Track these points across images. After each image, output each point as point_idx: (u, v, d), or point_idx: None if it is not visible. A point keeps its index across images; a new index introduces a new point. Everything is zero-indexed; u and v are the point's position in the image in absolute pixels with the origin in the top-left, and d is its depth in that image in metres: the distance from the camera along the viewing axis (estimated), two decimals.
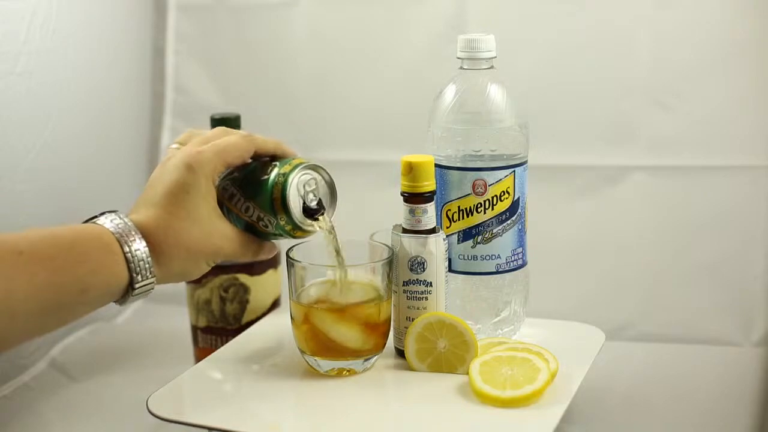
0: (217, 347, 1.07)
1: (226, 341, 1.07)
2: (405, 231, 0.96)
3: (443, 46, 1.31)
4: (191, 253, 0.86)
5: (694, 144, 1.28)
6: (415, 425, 0.87)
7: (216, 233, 0.88)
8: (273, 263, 1.14)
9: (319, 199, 0.92)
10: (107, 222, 0.82)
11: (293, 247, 0.97)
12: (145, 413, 0.88)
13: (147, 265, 0.82)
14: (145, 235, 0.83)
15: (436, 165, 0.97)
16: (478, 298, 1.00)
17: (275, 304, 1.15)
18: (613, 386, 1.12)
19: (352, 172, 1.34)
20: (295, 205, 0.89)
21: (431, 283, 0.95)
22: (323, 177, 0.93)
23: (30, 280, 0.75)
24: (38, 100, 1.14)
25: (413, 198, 0.95)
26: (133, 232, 0.82)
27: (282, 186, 0.89)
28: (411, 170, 0.94)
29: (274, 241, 0.94)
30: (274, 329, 1.06)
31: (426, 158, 0.95)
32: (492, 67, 0.99)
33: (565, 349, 0.95)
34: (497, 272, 1.00)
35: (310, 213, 0.91)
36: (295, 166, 0.90)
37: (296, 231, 0.91)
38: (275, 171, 0.90)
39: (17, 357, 1.15)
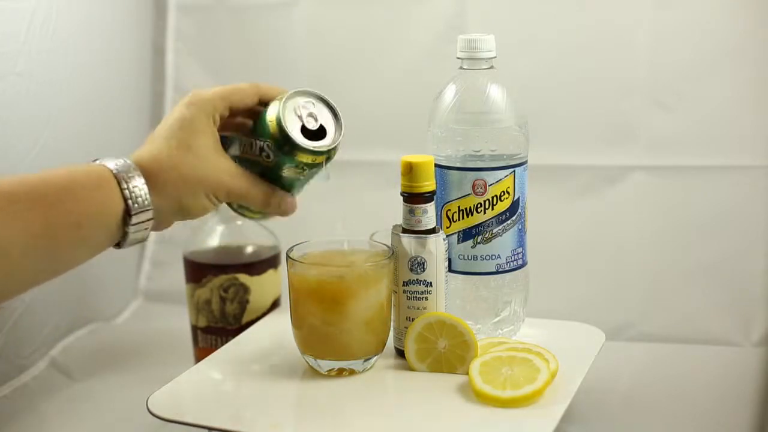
0: (217, 347, 1.07)
1: (226, 341, 1.08)
2: (405, 231, 0.96)
3: (443, 46, 1.31)
4: (188, 183, 0.86)
5: (694, 144, 1.28)
6: (415, 425, 0.87)
7: (216, 167, 0.88)
8: (273, 263, 1.14)
9: (321, 124, 0.92)
10: (109, 162, 0.83)
11: (293, 247, 0.97)
12: (145, 413, 0.88)
13: (143, 194, 0.82)
14: (143, 169, 0.83)
15: (436, 165, 0.97)
16: (478, 298, 1.00)
17: (275, 304, 1.15)
18: (613, 386, 1.12)
19: (352, 172, 1.34)
20: (293, 127, 0.89)
21: (431, 283, 0.95)
22: (324, 102, 0.93)
23: (24, 219, 0.75)
24: (38, 100, 1.14)
25: (413, 198, 0.95)
26: (132, 169, 0.82)
27: (278, 110, 0.90)
28: (411, 170, 0.94)
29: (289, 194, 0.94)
30: (274, 329, 1.06)
31: (426, 158, 0.95)
32: (492, 67, 0.99)
33: (565, 349, 0.95)
34: (497, 272, 1.00)
35: (311, 136, 0.90)
36: (293, 93, 0.91)
37: (298, 155, 0.90)
38: (274, 102, 0.91)
39: (17, 357, 1.15)
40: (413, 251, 0.95)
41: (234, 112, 0.91)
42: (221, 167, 0.88)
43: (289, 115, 0.90)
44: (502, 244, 0.99)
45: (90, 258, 0.82)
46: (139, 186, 0.82)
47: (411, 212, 0.95)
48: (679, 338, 1.26)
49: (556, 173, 1.31)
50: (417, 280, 0.95)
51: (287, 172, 0.92)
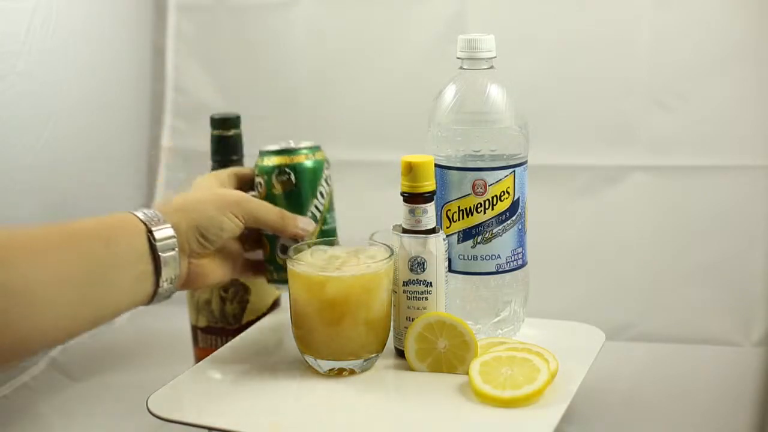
0: (217, 347, 1.07)
1: (226, 341, 1.07)
2: (405, 231, 0.96)
3: (443, 46, 1.31)
4: (200, 201, 0.93)
5: (694, 144, 1.28)
6: (415, 425, 0.87)
7: (226, 190, 0.97)
8: None
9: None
10: (137, 212, 0.88)
11: (294, 247, 0.97)
12: (145, 413, 0.88)
13: (158, 214, 0.88)
14: (157, 206, 0.90)
15: (436, 165, 0.97)
16: (478, 298, 1.00)
17: (275, 304, 1.15)
18: (613, 386, 1.12)
19: (352, 172, 1.34)
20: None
21: (431, 283, 0.95)
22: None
23: (62, 253, 0.79)
24: (38, 100, 1.14)
25: (413, 198, 0.95)
26: (159, 215, 0.88)
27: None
28: (411, 170, 0.94)
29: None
30: (274, 329, 1.06)
31: (426, 158, 0.95)
32: (492, 67, 0.99)
33: (565, 349, 0.95)
34: (497, 272, 1.00)
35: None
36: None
37: (269, 158, 1.03)
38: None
39: None
40: (413, 251, 0.95)
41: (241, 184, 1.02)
42: (228, 190, 0.97)
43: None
44: (502, 244, 0.99)
45: (130, 301, 0.86)
46: (153, 212, 0.88)
47: (411, 212, 0.95)
48: (679, 338, 1.26)
49: (556, 173, 1.31)
50: (417, 280, 0.95)
51: (276, 185, 1.01)
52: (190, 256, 0.92)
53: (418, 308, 0.96)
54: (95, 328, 0.83)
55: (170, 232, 0.87)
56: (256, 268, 1.04)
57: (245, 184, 1.03)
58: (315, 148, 1.04)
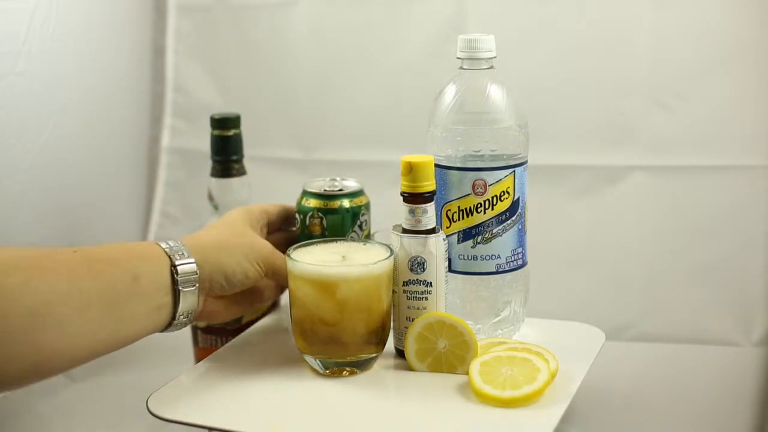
0: (217, 347, 1.07)
1: (226, 341, 1.07)
2: (405, 231, 0.96)
3: (443, 46, 1.31)
4: (226, 245, 0.93)
5: (694, 144, 1.28)
6: (415, 425, 0.87)
7: (254, 237, 0.97)
8: None
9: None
10: (162, 243, 0.89)
11: (293, 247, 0.97)
12: (145, 413, 0.88)
13: (184, 249, 0.89)
14: (185, 243, 0.91)
15: (436, 165, 0.97)
16: (478, 298, 1.00)
17: (275, 304, 1.15)
18: (613, 386, 1.12)
19: (352, 172, 1.34)
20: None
21: (431, 283, 0.95)
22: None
23: (83, 277, 0.80)
24: (38, 100, 1.14)
25: (413, 198, 0.95)
26: (183, 249, 0.89)
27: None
28: (411, 170, 0.94)
29: None
30: (274, 329, 1.06)
31: (426, 158, 0.95)
32: (492, 67, 0.99)
33: (565, 349, 0.95)
34: (497, 272, 1.00)
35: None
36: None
37: (308, 200, 1.07)
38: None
39: None
40: (413, 251, 0.95)
41: (271, 228, 1.04)
42: (258, 240, 0.97)
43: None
44: (502, 244, 0.99)
45: (149, 327, 0.87)
46: (179, 245, 0.89)
47: (411, 212, 0.95)
48: (679, 338, 1.26)
49: (556, 173, 1.31)
50: (417, 280, 0.95)
51: (309, 227, 1.05)
52: (208, 294, 0.93)
53: (418, 308, 0.96)
54: (110, 352, 0.84)
55: (193, 267, 0.89)
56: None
57: (275, 222, 1.05)
58: (355, 193, 1.07)
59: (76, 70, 1.22)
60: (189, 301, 0.89)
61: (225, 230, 0.96)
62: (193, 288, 0.89)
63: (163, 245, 0.88)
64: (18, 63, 1.10)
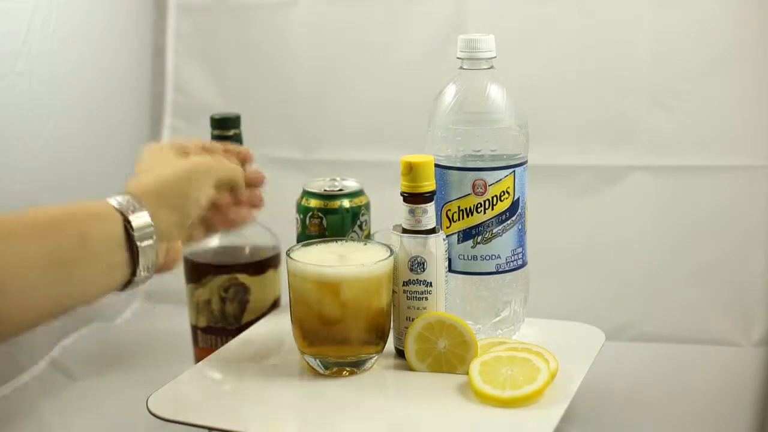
0: (217, 347, 1.07)
1: (226, 341, 1.07)
2: (405, 231, 0.96)
3: (443, 46, 1.31)
4: (171, 183, 0.87)
5: (694, 144, 1.28)
6: (415, 425, 0.87)
7: (178, 162, 0.90)
8: (273, 263, 1.14)
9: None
10: (111, 199, 0.84)
11: (293, 247, 0.97)
12: (145, 413, 0.88)
13: (129, 198, 0.83)
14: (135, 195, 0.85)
15: (436, 165, 0.97)
16: (478, 298, 1.00)
17: (275, 304, 1.15)
18: (613, 386, 1.12)
19: (352, 172, 1.34)
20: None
21: (431, 283, 0.95)
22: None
23: (27, 241, 0.75)
24: (38, 100, 1.14)
25: (413, 198, 0.95)
26: (134, 203, 0.83)
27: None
28: (411, 170, 0.94)
29: None
30: (274, 329, 1.06)
31: (426, 158, 0.95)
32: (492, 67, 0.99)
33: (565, 349, 0.95)
34: (497, 272, 1.00)
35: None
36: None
37: (307, 200, 1.08)
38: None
39: (17, 357, 1.15)
40: (413, 251, 0.95)
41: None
42: (199, 161, 0.90)
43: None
44: (502, 244, 0.99)
45: (106, 286, 0.82)
46: (129, 198, 0.83)
47: (411, 212, 0.95)
48: (679, 338, 1.26)
49: (556, 173, 1.31)
50: (417, 280, 0.95)
51: (309, 227, 1.06)
52: (169, 240, 0.87)
53: (418, 308, 0.96)
54: (66, 313, 0.81)
55: (147, 220, 0.82)
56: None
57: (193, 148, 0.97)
58: (355, 193, 1.07)
59: (76, 70, 1.22)
60: (148, 255, 0.83)
61: (160, 166, 0.89)
62: (151, 241, 0.83)
63: (113, 202, 0.82)
64: (18, 63, 1.10)
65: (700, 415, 1.07)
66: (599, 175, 1.31)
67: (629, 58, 1.29)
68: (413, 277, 0.95)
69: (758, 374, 1.17)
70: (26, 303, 0.75)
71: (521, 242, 1.00)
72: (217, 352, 1.01)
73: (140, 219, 0.82)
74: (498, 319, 1.01)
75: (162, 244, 0.85)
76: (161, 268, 0.87)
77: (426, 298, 0.95)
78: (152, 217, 0.83)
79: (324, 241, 0.99)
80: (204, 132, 1.11)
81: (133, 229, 0.81)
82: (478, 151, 0.98)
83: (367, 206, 1.08)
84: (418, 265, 0.95)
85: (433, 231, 0.95)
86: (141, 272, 0.83)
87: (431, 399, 0.90)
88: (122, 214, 0.82)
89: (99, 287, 0.82)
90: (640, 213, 1.30)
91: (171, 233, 0.87)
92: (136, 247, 0.82)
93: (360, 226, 1.07)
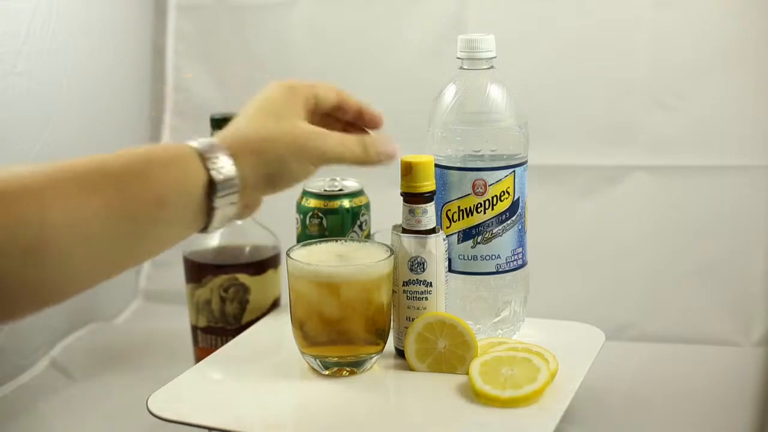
0: (217, 347, 1.07)
1: (226, 341, 1.07)
2: (405, 231, 0.96)
3: (443, 46, 1.31)
4: (274, 146, 0.78)
5: (694, 144, 1.28)
6: (415, 425, 0.87)
7: (302, 127, 0.81)
8: (273, 263, 1.14)
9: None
10: (191, 141, 0.76)
11: (293, 247, 0.97)
12: (145, 413, 0.88)
13: (228, 165, 0.75)
14: (227, 144, 0.77)
15: (436, 165, 0.97)
16: (478, 298, 1.00)
17: (275, 304, 1.15)
18: (613, 386, 1.12)
19: (352, 172, 1.34)
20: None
21: (431, 283, 0.95)
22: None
23: (101, 199, 0.69)
24: (38, 100, 1.14)
25: (413, 198, 0.95)
26: (215, 146, 0.76)
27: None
28: (411, 171, 0.94)
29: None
30: (274, 329, 1.06)
31: (426, 158, 0.95)
32: (492, 67, 0.99)
33: (565, 349, 0.95)
34: (497, 272, 1.00)
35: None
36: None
37: (307, 199, 1.08)
38: None
39: (17, 357, 1.15)
40: (413, 251, 0.95)
41: (317, 110, 0.87)
42: (311, 130, 0.81)
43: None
44: (502, 244, 0.99)
45: (177, 241, 0.75)
46: (221, 158, 0.75)
47: (411, 212, 0.95)
48: (679, 338, 1.26)
49: (556, 173, 1.31)
50: (417, 280, 0.95)
51: (309, 227, 1.06)
52: (248, 195, 0.79)
53: (417, 308, 0.96)
54: (134, 266, 0.77)
55: (233, 171, 0.75)
56: None
57: (324, 108, 0.88)
58: (355, 193, 1.08)
59: (76, 69, 1.22)
60: (226, 211, 0.76)
61: (267, 118, 0.80)
62: (233, 196, 0.76)
63: (195, 145, 0.75)
64: (18, 63, 1.10)
65: (700, 415, 1.07)
66: (599, 175, 1.31)
67: (629, 58, 1.29)
68: (413, 277, 0.95)
69: (758, 374, 1.17)
70: (85, 270, 0.70)
71: (521, 242, 1.00)
72: (217, 352, 1.01)
73: (224, 171, 0.75)
74: (498, 319, 1.01)
75: (240, 204, 0.78)
76: (238, 216, 0.80)
77: (426, 298, 0.95)
78: (240, 179, 0.76)
79: (324, 241, 0.99)
80: (204, 132, 1.11)
81: (216, 195, 0.74)
82: (478, 151, 0.98)
83: (367, 206, 1.08)
84: (418, 265, 0.95)
85: (433, 231, 0.95)
86: (214, 225, 0.76)
87: (431, 399, 0.90)
88: (208, 173, 0.74)
89: (168, 245, 0.75)
90: (640, 213, 1.30)
91: (255, 198, 0.80)
92: (214, 210, 0.75)
93: (360, 226, 1.07)
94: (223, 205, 0.76)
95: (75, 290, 0.71)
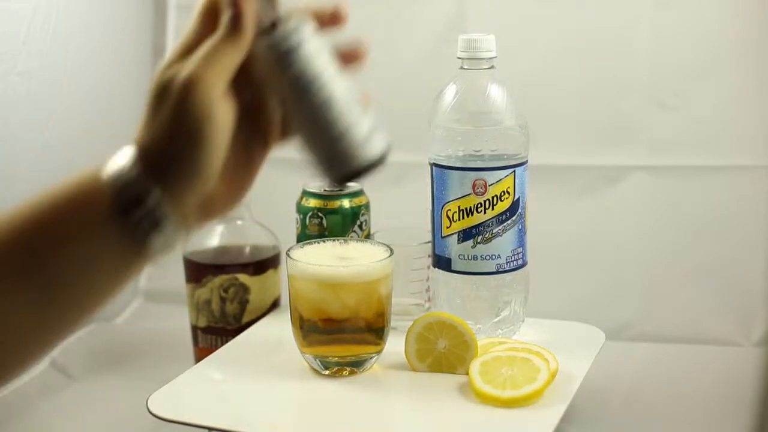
0: (217, 347, 1.07)
1: (226, 341, 1.07)
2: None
3: (443, 46, 1.31)
4: (178, 136, 0.67)
5: (694, 144, 1.28)
6: (415, 425, 0.87)
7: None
8: (273, 263, 1.14)
9: None
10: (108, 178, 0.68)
11: (293, 247, 0.97)
12: (145, 413, 0.88)
13: (123, 162, 0.66)
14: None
15: (437, 165, 0.97)
16: (478, 298, 1.00)
17: (275, 304, 1.15)
18: (613, 386, 1.12)
19: None
20: None
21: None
22: None
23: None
24: (38, 100, 1.14)
25: None
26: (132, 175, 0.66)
27: None
28: None
29: None
30: (274, 329, 1.06)
31: None
32: (492, 67, 0.99)
33: (565, 349, 0.95)
34: (497, 272, 1.00)
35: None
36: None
37: None
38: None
39: None
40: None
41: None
42: (187, 74, 0.66)
43: None
44: (502, 244, 0.99)
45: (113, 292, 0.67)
46: (117, 160, 0.66)
47: None
48: (679, 338, 1.25)
49: (556, 173, 1.31)
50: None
51: (309, 227, 1.07)
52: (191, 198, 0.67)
53: None
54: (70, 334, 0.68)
55: (150, 202, 0.65)
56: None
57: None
58: (355, 193, 1.07)
59: (76, 70, 1.22)
60: (159, 240, 0.65)
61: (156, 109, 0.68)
62: (161, 224, 0.65)
63: (109, 180, 0.66)
64: (18, 63, 1.10)
65: (700, 415, 1.07)
66: (599, 175, 1.31)
67: (629, 58, 1.29)
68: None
69: (758, 374, 1.16)
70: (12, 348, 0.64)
71: (521, 242, 1.00)
72: (217, 352, 1.01)
73: (142, 207, 0.66)
74: (498, 319, 1.01)
75: (183, 223, 0.66)
76: (209, 217, 0.69)
77: None
78: (157, 190, 0.66)
79: (324, 241, 0.99)
80: None
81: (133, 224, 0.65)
82: (479, 151, 0.98)
83: (367, 206, 1.08)
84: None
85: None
86: (155, 255, 0.66)
87: (431, 399, 0.90)
88: (118, 206, 0.66)
89: (101, 298, 0.66)
90: (640, 213, 1.30)
91: (193, 215, 0.67)
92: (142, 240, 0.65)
93: (360, 226, 1.07)
94: (148, 226, 0.66)
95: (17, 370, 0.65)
